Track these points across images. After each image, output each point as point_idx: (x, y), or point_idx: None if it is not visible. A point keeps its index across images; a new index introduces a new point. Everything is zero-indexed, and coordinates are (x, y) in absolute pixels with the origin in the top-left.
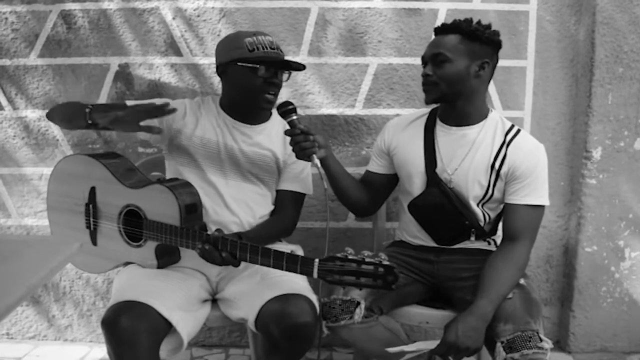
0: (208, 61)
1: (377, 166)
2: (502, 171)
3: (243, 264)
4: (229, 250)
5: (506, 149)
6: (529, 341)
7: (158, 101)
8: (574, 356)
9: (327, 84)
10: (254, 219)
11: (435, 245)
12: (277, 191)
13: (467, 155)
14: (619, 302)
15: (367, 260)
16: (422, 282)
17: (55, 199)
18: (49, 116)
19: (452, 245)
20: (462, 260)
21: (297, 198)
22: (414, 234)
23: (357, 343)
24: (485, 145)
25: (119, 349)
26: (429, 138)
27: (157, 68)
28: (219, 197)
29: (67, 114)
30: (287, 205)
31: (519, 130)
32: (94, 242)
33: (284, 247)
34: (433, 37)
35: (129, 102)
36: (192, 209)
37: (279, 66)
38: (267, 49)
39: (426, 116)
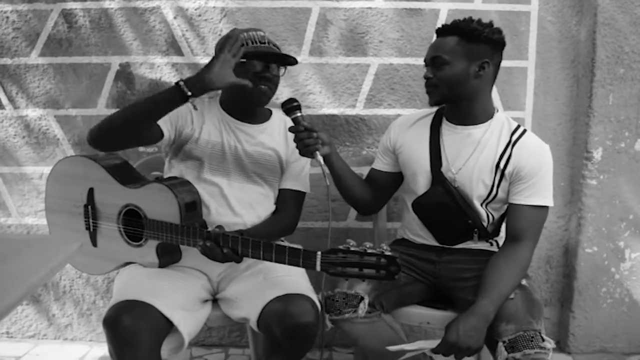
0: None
1: (382, 164)
2: (507, 171)
3: (245, 264)
4: (231, 246)
5: (511, 149)
6: (531, 341)
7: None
8: (573, 357)
9: (328, 84)
10: (258, 220)
11: (438, 244)
12: (279, 190)
13: (472, 154)
14: (619, 303)
15: (369, 251)
16: (423, 282)
17: (53, 201)
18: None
19: (454, 245)
20: (464, 260)
21: (298, 197)
22: (417, 233)
23: (359, 338)
24: (491, 145)
25: (121, 348)
26: (434, 137)
27: (158, 67)
28: (222, 199)
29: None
30: (289, 204)
31: (524, 131)
32: (94, 243)
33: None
34: (434, 38)
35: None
36: (192, 207)
37: (269, 59)
38: (257, 43)
39: (432, 115)
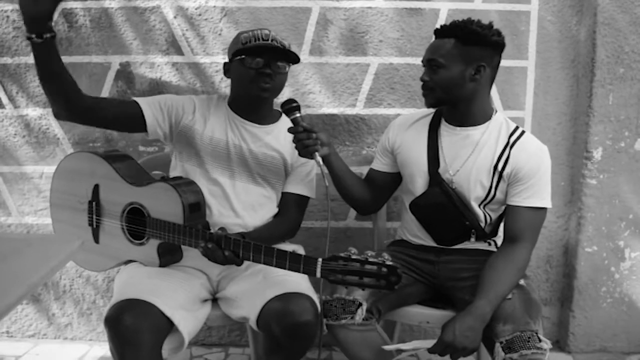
0: (209, 60)
1: (380, 164)
2: (505, 172)
3: (245, 263)
4: (232, 249)
5: (510, 151)
6: (528, 341)
7: None
8: (573, 356)
9: (328, 83)
10: (259, 222)
11: (436, 245)
12: (283, 193)
13: (470, 155)
14: (619, 302)
15: (370, 260)
16: (423, 282)
17: (58, 196)
18: (55, 114)
19: (452, 245)
20: (462, 260)
21: (302, 201)
22: (415, 234)
23: (350, 347)
24: (489, 146)
25: (122, 347)
26: (432, 138)
27: (158, 67)
28: (225, 199)
29: (38, 71)
30: (292, 208)
31: (523, 132)
32: (96, 240)
33: (285, 247)
34: (433, 38)
35: None
36: (196, 208)
37: (270, 54)
38: (259, 40)
39: (431, 116)
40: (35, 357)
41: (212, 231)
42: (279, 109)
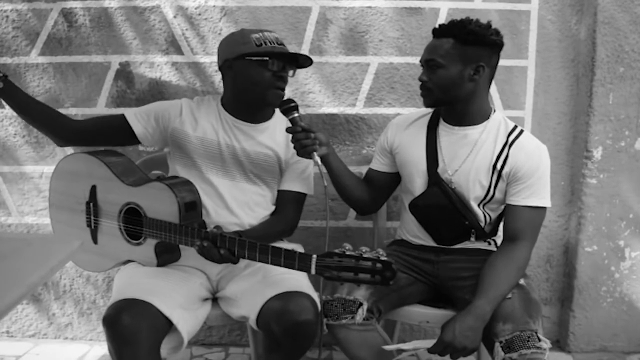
0: (209, 60)
1: (379, 164)
2: (504, 172)
3: (244, 262)
4: (228, 247)
5: (508, 150)
6: (528, 341)
7: None
8: (573, 356)
9: (328, 82)
10: (256, 220)
11: (436, 245)
12: (279, 191)
13: (468, 155)
14: (619, 301)
15: (364, 255)
16: (423, 281)
17: (56, 197)
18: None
19: (452, 245)
20: (462, 260)
21: (299, 198)
22: (415, 234)
23: (350, 347)
24: (487, 146)
25: (120, 347)
26: (431, 137)
27: (158, 66)
28: (219, 199)
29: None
30: (289, 206)
31: (521, 131)
32: (95, 241)
33: (284, 245)
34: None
35: None
36: (192, 207)
37: (288, 59)
38: (274, 44)
39: (429, 115)
40: (36, 357)
41: (207, 230)
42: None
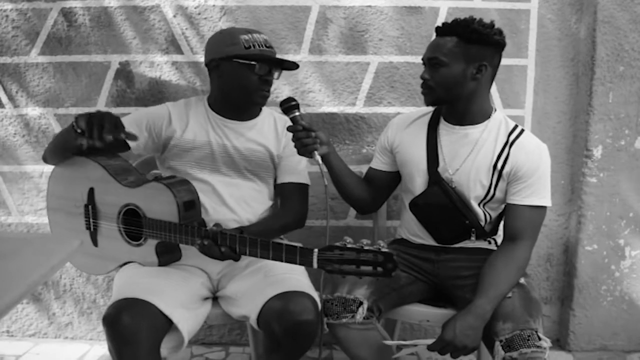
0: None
1: (380, 163)
2: (505, 171)
3: (245, 261)
4: (229, 244)
5: (509, 149)
6: (528, 340)
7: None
8: (574, 355)
9: (328, 82)
10: (254, 216)
11: (436, 244)
12: (278, 185)
13: (469, 154)
14: (619, 300)
15: (366, 248)
16: (423, 280)
17: (54, 201)
18: (44, 158)
19: (452, 244)
20: (463, 259)
21: (302, 189)
22: (415, 233)
23: (351, 346)
24: (488, 145)
25: (120, 346)
26: (432, 136)
27: (158, 66)
28: (216, 196)
29: (57, 139)
30: (293, 197)
31: (522, 131)
32: (95, 243)
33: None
34: (434, 36)
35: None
36: (190, 206)
37: (274, 64)
38: (262, 47)
39: (430, 114)
40: (36, 356)
41: (207, 228)
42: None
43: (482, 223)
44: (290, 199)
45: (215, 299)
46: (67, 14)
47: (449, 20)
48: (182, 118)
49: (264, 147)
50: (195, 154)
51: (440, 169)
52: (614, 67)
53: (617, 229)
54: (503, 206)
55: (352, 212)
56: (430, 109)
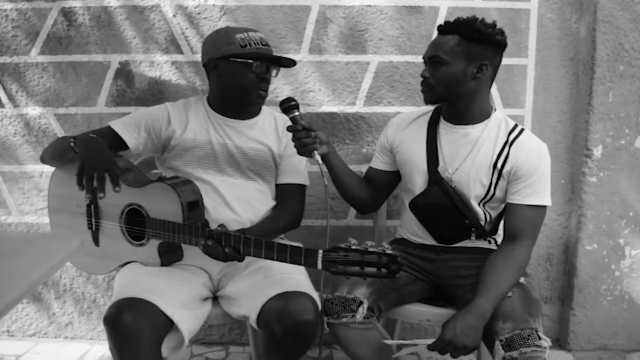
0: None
1: (379, 163)
2: (505, 170)
3: (245, 261)
4: (233, 245)
5: (509, 149)
6: (528, 339)
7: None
8: (574, 354)
9: (328, 81)
10: (256, 217)
11: (436, 243)
12: (278, 185)
13: (469, 154)
14: (619, 300)
15: (370, 249)
16: (423, 280)
17: (55, 201)
18: (42, 159)
19: (452, 244)
20: (463, 258)
21: (300, 190)
22: (415, 232)
23: (351, 345)
24: (488, 145)
25: (122, 346)
26: (431, 136)
27: (158, 65)
28: (218, 197)
29: (56, 149)
30: (292, 198)
31: (522, 130)
32: (96, 243)
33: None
34: (435, 35)
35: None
36: (195, 206)
37: (271, 62)
38: (258, 45)
39: (430, 114)
40: (36, 356)
41: (211, 228)
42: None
43: (482, 222)
44: (290, 200)
45: (215, 298)
46: (67, 14)
47: (449, 20)
48: (181, 118)
49: (266, 145)
50: (196, 153)
51: (440, 169)
52: (614, 66)
53: (617, 228)
54: (503, 206)
55: (352, 211)
56: (430, 108)
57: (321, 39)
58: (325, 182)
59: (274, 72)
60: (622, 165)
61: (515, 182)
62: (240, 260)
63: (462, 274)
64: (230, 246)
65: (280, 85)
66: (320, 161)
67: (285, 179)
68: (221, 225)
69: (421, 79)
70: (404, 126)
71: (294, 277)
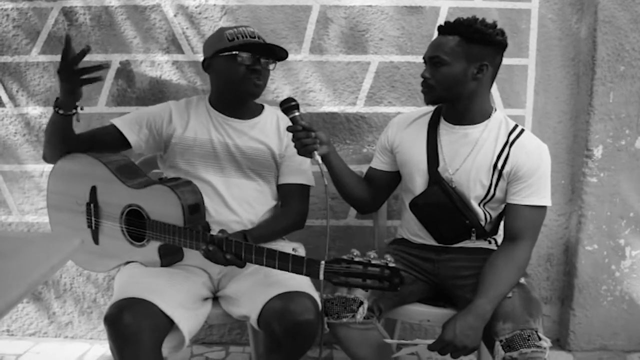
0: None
1: (380, 163)
2: (505, 171)
3: None
4: (234, 251)
5: (509, 149)
6: (528, 340)
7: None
8: (574, 354)
9: (329, 81)
10: (256, 217)
11: (436, 244)
12: (281, 186)
13: (469, 154)
14: (619, 300)
15: (373, 262)
16: (424, 280)
17: (55, 198)
18: (45, 157)
19: (452, 244)
20: (463, 259)
21: (303, 190)
22: (415, 232)
23: (351, 345)
24: (488, 145)
25: (122, 345)
26: (432, 136)
27: (159, 65)
28: (218, 197)
29: (48, 128)
30: (294, 199)
31: (522, 130)
32: (96, 241)
33: (285, 244)
34: (435, 35)
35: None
36: (195, 209)
37: (260, 52)
38: (246, 37)
39: (430, 114)
40: (36, 355)
41: (213, 234)
42: (261, 103)
43: (483, 223)
44: (292, 200)
45: (215, 298)
46: (68, 13)
47: (450, 20)
48: (182, 116)
49: (266, 145)
50: (197, 151)
51: (440, 169)
52: (614, 67)
53: (618, 228)
54: (503, 206)
55: (352, 211)
56: (431, 108)
57: (322, 39)
58: (325, 182)
59: (271, 66)
60: (622, 165)
61: (515, 183)
62: (241, 266)
63: (462, 274)
64: (231, 252)
65: (280, 85)
66: (320, 161)
67: (288, 179)
68: (222, 231)
69: (422, 79)
70: (404, 126)
71: (295, 277)
